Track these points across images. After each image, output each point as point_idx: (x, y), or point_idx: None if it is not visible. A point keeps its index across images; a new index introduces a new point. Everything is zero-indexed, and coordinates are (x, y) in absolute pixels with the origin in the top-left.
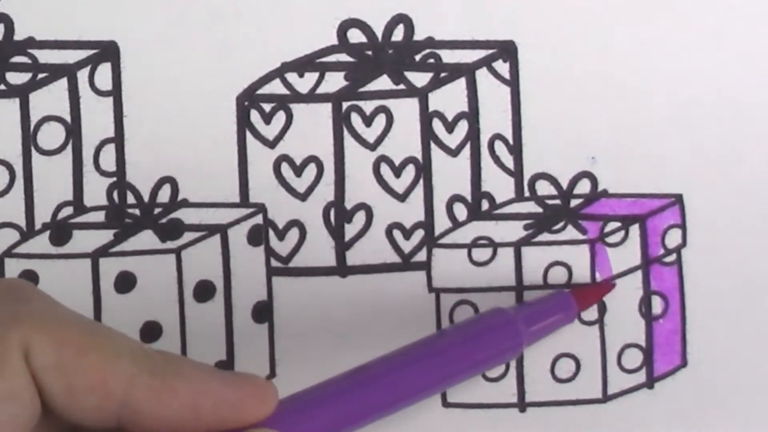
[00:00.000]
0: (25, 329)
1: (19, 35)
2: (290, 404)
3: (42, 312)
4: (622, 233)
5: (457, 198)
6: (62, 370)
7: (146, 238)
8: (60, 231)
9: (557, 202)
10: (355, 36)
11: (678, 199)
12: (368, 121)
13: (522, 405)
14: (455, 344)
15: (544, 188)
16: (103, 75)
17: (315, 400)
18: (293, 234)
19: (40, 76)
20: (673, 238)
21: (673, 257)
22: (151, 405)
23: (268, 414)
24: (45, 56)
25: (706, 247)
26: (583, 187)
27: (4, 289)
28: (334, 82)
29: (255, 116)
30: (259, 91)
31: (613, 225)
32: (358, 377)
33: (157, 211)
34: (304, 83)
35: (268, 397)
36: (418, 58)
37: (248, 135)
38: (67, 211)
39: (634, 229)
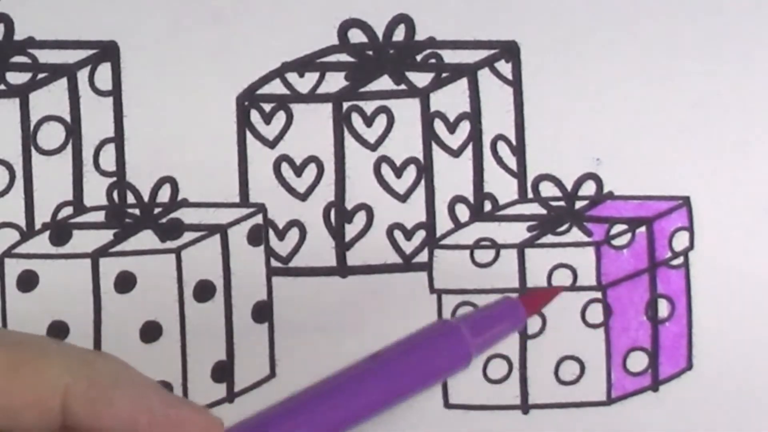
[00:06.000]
0: None
1: (19, 35)
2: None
3: None
4: (628, 236)
5: (459, 199)
6: None
7: (146, 238)
8: (60, 231)
9: (561, 203)
10: (356, 36)
11: (685, 202)
12: (369, 121)
13: (525, 407)
14: (402, 358)
15: (548, 190)
16: (103, 75)
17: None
18: (293, 234)
19: (40, 76)
20: (681, 241)
21: (680, 260)
22: (89, 415)
23: None
24: (45, 56)
25: (713, 250)
26: (588, 188)
27: None
28: (335, 82)
29: (255, 116)
30: (259, 91)
31: (619, 227)
32: (301, 397)
33: (157, 210)
34: (304, 83)
35: (212, 427)
36: (419, 58)
37: (248, 135)
38: (67, 211)
39: (641, 232)
